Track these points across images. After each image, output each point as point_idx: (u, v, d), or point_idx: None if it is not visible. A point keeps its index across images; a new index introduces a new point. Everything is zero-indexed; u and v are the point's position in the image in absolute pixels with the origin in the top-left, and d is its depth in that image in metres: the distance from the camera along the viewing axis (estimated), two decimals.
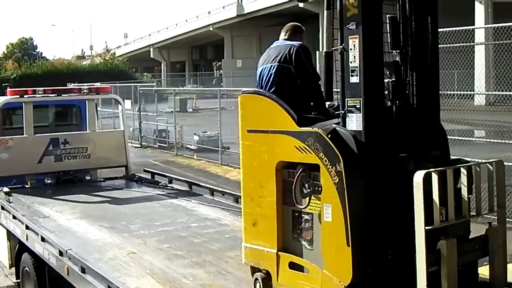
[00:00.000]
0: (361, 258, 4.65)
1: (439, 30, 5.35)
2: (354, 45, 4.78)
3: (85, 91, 11.85)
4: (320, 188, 4.82)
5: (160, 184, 10.86)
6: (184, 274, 6.11)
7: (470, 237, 5.06)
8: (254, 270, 5.44)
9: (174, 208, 9.06)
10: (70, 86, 22.50)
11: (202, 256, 6.60)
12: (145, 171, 11.93)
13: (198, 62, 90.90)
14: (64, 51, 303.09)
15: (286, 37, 5.75)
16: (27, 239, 8.08)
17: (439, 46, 12.61)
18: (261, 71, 5.62)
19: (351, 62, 4.81)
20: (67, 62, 73.28)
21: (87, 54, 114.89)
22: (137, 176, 11.46)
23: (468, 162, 5.16)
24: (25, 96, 11.06)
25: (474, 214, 4.93)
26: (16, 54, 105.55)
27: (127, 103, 26.35)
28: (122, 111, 12.44)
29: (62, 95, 11.90)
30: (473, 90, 15.44)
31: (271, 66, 5.53)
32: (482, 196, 4.96)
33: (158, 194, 10.17)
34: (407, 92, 5.05)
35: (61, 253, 6.87)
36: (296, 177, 5.00)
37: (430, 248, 4.43)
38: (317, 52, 16.88)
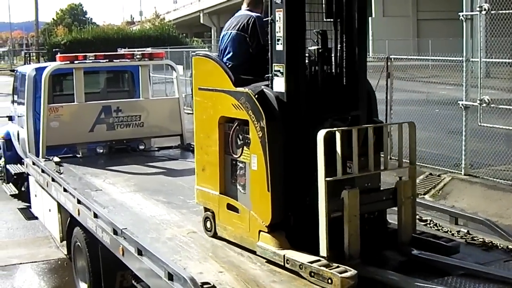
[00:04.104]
0: (280, 202, 5.38)
1: None
2: (280, 17, 5.40)
3: (138, 56, 11.32)
4: (249, 141, 5.56)
5: None
6: (250, 258, 5.57)
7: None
8: (205, 209, 6.27)
9: None
10: (121, 51, 22.09)
11: None
12: None
13: None
14: (113, 17, 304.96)
15: (247, 7, 6.40)
16: (78, 214, 7.60)
17: (492, 12, 11.94)
18: (223, 36, 6.37)
19: (277, 32, 5.45)
20: (117, 28, 72.79)
21: (136, 19, 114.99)
22: (192, 146, 10.93)
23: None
24: (76, 61, 10.59)
25: (382, 169, 5.57)
26: (66, 20, 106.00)
27: (179, 69, 25.86)
28: (177, 77, 11.87)
29: (114, 60, 11.39)
30: None
31: (231, 33, 6.26)
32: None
33: None
34: (335, 58, 5.67)
35: (115, 232, 6.35)
36: (232, 131, 5.78)
37: (335, 197, 5.05)
38: None
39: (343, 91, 5.67)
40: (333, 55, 5.71)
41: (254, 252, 5.59)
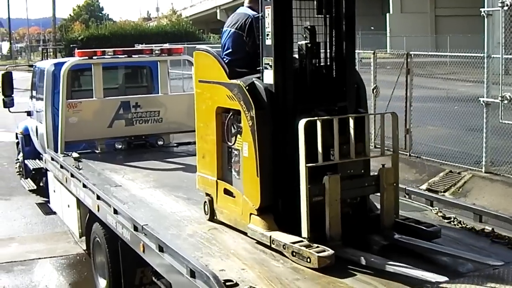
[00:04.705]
0: (268, 187, 5.73)
1: None
2: (268, 13, 5.71)
3: (156, 52, 11.24)
4: (241, 129, 5.90)
5: None
6: (273, 255, 5.51)
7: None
8: (206, 195, 6.59)
9: None
10: (139, 47, 22.05)
11: None
12: None
13: None
14: (129, 13, 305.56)
15: (249, 4, 6.63)
16: (98, 210, 7.57)
17: None
18: (223, 32, 6.65)
19: (266, 27, 5.77)
20: (134, 24, 72.77)
21: (153, 16, 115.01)
22: None
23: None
24: (94, 57, 10.52)
25: (364, 156, 5.75)
26: (83, 16, 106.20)
27: None
28: None
29: (133, 56, 11.32)
30: None
31: (230, 30, 6.55)
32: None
33: None
34: (324, 52, 5.99)
35: (136, 228, 6.31)
36: (227, 120, 6.15)
37: (318, 182, 5.36)
38: None
39: (331, 83, 5.98)
40: (322, 49, 5.98)
41: (245, 234, 5.94)
